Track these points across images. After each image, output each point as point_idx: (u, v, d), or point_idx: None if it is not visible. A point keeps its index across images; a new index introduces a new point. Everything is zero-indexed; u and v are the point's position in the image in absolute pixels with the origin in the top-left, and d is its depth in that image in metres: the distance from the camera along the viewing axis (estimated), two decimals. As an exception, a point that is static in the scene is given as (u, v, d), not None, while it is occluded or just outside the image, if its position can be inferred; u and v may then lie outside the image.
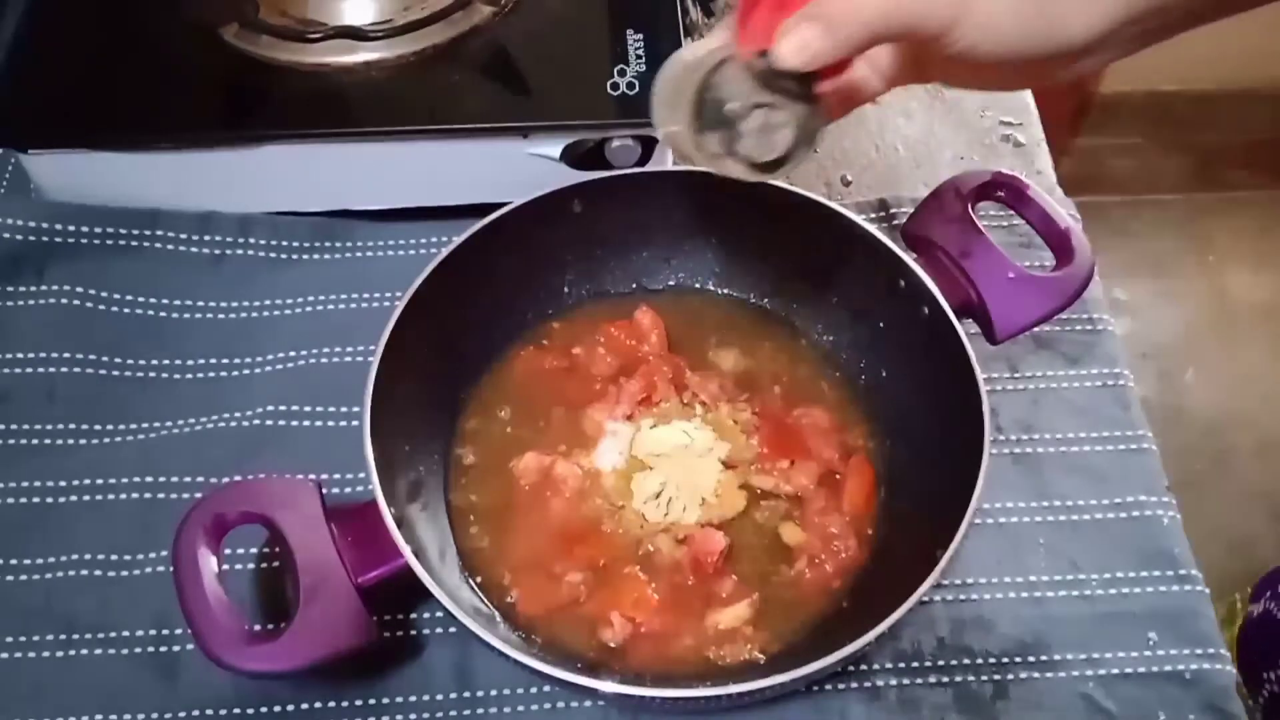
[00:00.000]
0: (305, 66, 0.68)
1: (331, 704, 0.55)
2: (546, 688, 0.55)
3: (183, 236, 0.69)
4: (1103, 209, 1.80)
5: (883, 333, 0.62)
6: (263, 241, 0.70)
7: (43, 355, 0.64)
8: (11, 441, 0.62)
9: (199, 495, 0.59)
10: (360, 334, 0.65)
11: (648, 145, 0.67)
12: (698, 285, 0.68)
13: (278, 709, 0.54)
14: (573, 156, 0.67)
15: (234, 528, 0.52)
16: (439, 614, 0.57)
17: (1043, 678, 0.56)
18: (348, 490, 0.61)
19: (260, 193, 0.69)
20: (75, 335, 0.65)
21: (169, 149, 0.67)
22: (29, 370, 0.64)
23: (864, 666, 0.56)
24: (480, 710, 0.55)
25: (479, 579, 0.57)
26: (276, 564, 0.58)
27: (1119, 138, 1.89)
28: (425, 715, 0.55)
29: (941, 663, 0.57)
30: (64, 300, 0.66)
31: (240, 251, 0.69)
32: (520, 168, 0.67)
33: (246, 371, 0.65)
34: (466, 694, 0.55)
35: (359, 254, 0.70)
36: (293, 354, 0.66)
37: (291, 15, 0.69)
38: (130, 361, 0.65)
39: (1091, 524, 0.61)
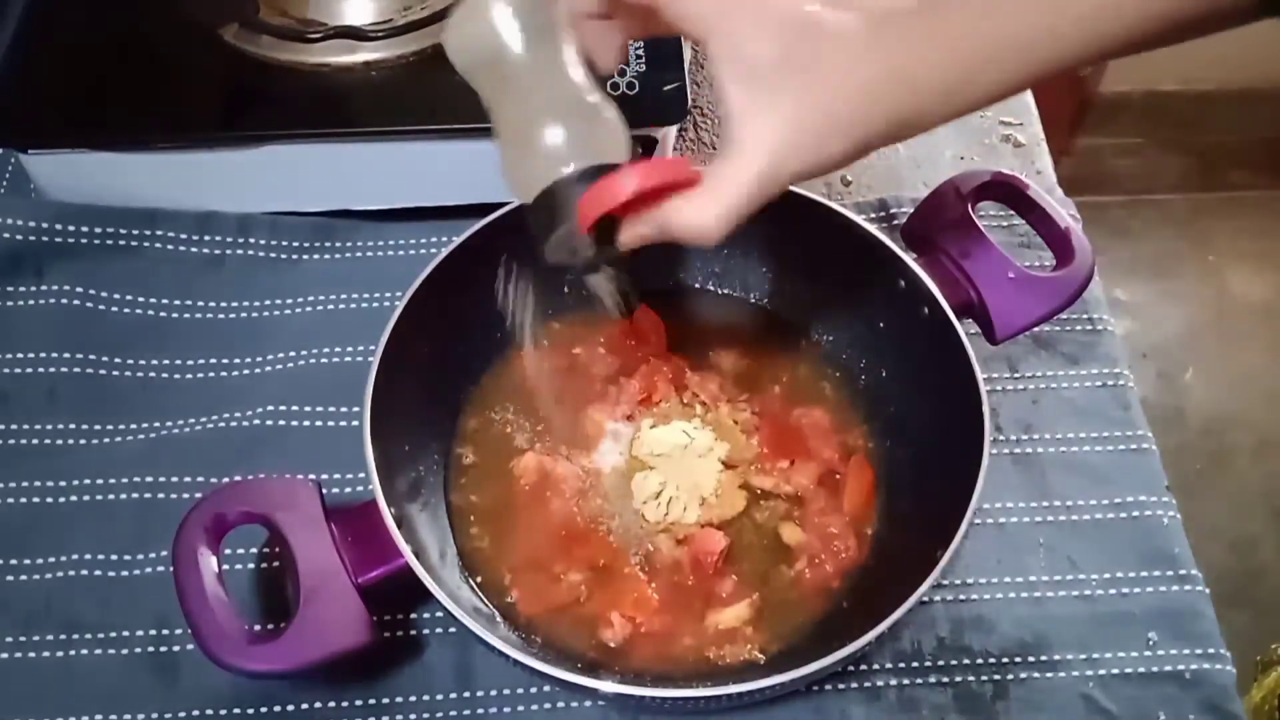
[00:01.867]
0: (305, 66, 0.68)
1: (331, 704, 0.55)
2: (546, 688, 0.55)
3: (182, 237, 0.69)
4: (1103, 209, 1.80)
5: (883, 333, 0.62)
6: (263, 241, 0.70)
7: (43, 355, 0.64)
8: (11, 441, 0.62)
9: (199, 495, 0.59)
10: (360, 334, 0.65)
11: (648, 145, 0.67)
12: (698, 285, 0.68)
13: (278, 709, 0.54)
14: (573, 156, 0.66)
15: (234, 528, 0.52)
16: (439, 614, 0.57)
17: (1043, 678, 0.56)
18: (348, 490, 0.61)
19: (260, 193, 0.69)
20: (75, 335, 0.65)
21: (169, 149, 0.67)
22: (29, 370, 0.64)
23: (864, 666, 0.56)
24: (480, 710, 0.55)
25: (479, 579, 0.57)
26: (276, 564, 0.58)
27: (1119, 138, 1.89)
28: (425, 715, 0.55)
29: (941, 663, 0.57)
30: (64, 300, 0.66)
31: (240, 251, 0.69)
32: (520, 168, 0.67)
33: (246, 371, 0.65)
34: (466, 694, 0.55)
35: (359, 254, 0.70)
36: (293, 354, 0.66)
37: (291, 15, 0.69)
38: (130, 361, 0.65)
39: (1091, 524, 0.61)
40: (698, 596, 0.56)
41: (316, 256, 0.70)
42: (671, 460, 0.59)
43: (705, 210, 0.44)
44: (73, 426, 0.62)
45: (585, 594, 0.56)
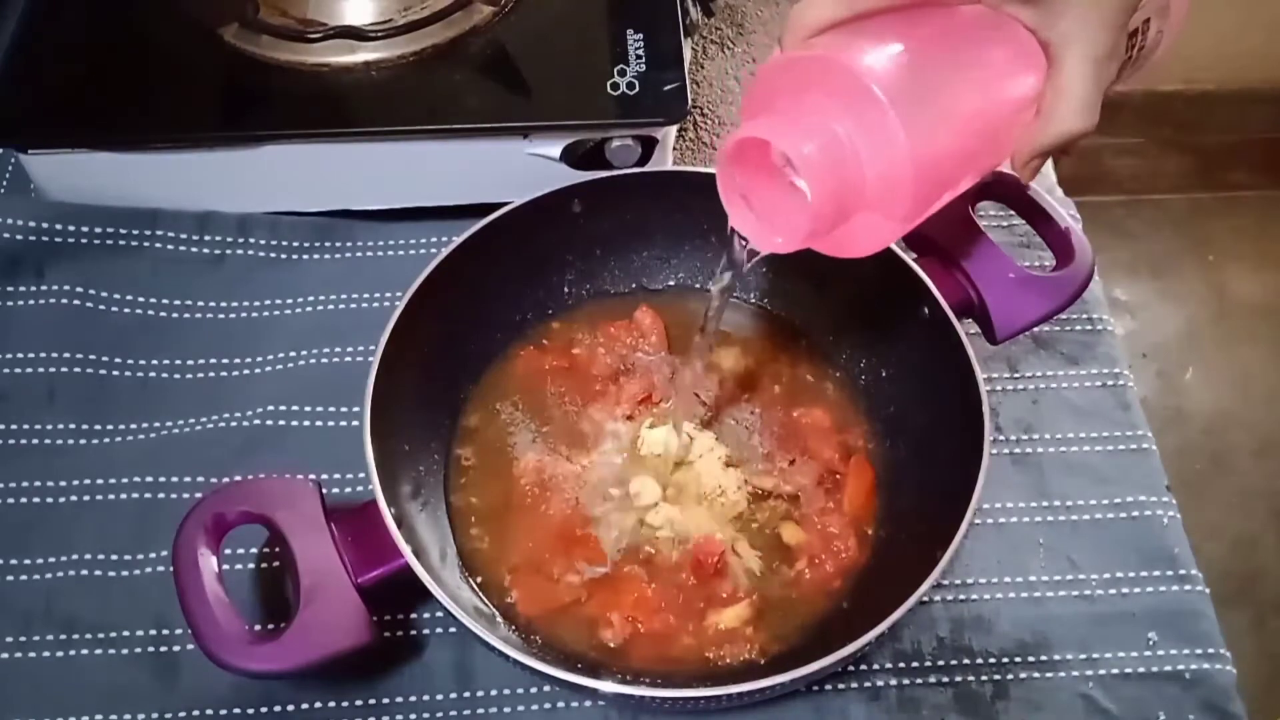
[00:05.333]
0: (305, 66, 0.68)
1: (331, 704, 0.55)
2: (546, 688, 0.55)
3: (182, 236, 0.69)
4: (1103, 209, 1.80)
5: (883, 333, 0.62)
6: (263, 241, 0.70)
7: (43, 355, 0.64)
8: (11, 441, 0.62)
9: (199, 495, 0.59)
10: (360, 334, 0.65)
11: (648, 145, 0.67)
12: (698, 285, 0.68)
13: (278, 709, 0.54)
14: (573, 156, 0.67)
15: (234, 528, 0.52)
16: (439, 614, 0.57)
17: (1043, 678, 0.56)
18: (348, 490, 0.61)
19: (260, 193, 0.69)
20: (75, 335, 0.65)
21: (169, 149, 0.67)
22: (29, 370, 0.64)
23: (864, 666, 0.56)
24: (480, 710, 0.55)
25: (479, 579, 0.57)
26: (276, 564, 0.58)
27: (1119, 138, 1.89)
28: (425, 715, 0.55)
29: (941, 663, 0.57)
30: (64, 300, 0.66)
31: (240, 251, 0.69)
32: (520, 168, 0.67)
33: (246, 371, 0.65)
34: (466, 694, 0.55)
35: (359, 254, 0.70)
36: (293, 354, 0.66)
37: (291, 15, 0.69)
38: (130, 361, 0.65)
39: (1091, 524, 0.61)
40: (698, 596, 0.56)
41: (316, 256, 0.70)
42: (672, 460, 0.59)
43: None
44: (73, 426, 0.62)
45: (585, 594, 0.56)
